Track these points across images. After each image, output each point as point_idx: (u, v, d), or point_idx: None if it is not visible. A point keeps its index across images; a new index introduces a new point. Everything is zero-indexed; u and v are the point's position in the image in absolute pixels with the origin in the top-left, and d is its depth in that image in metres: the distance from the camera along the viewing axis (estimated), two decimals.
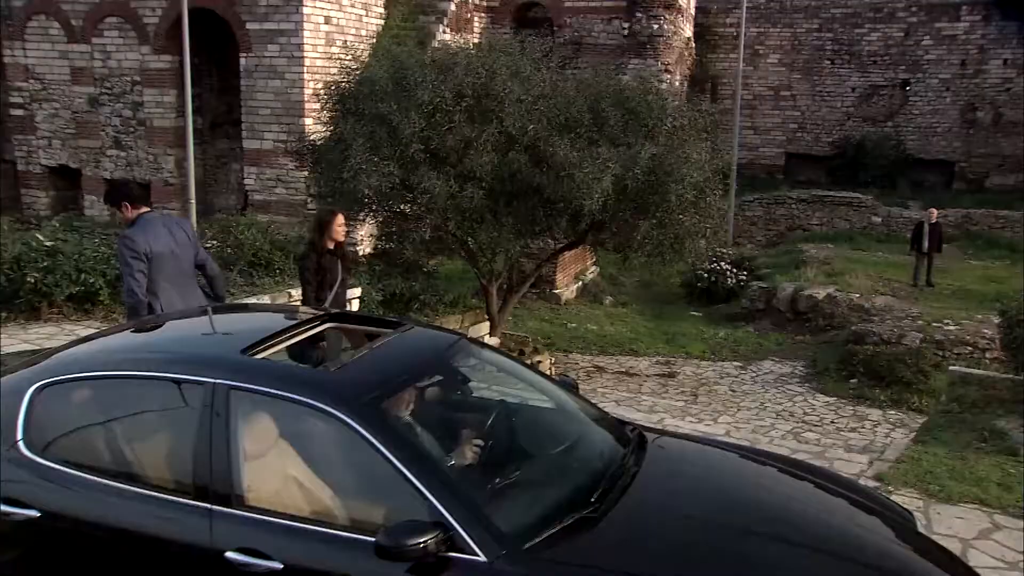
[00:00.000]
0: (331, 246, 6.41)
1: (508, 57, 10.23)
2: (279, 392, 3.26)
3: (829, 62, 22.26)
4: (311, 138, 11.67)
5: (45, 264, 8.14)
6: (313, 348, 3.79)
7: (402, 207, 10.89)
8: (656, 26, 18.39)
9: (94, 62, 16.73)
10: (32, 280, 7.98)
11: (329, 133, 10.90)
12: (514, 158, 9.84)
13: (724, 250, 15.44)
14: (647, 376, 11.92)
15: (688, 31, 20.35)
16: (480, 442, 3.41)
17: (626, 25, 18.69)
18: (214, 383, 3.26)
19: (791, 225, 19.23)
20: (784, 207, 19.26)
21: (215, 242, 10.38)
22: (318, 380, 3.40)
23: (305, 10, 15.03)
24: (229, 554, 3.04)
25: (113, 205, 5.66)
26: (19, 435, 3.43)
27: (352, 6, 16.34)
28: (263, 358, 3.48)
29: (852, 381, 11.40)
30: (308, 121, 14.74)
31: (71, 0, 16.61)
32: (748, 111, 21.64)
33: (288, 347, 3.65)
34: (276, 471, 3.25)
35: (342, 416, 3.12)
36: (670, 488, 3.56)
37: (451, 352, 3.84)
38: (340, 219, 6.49)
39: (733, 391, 11.26)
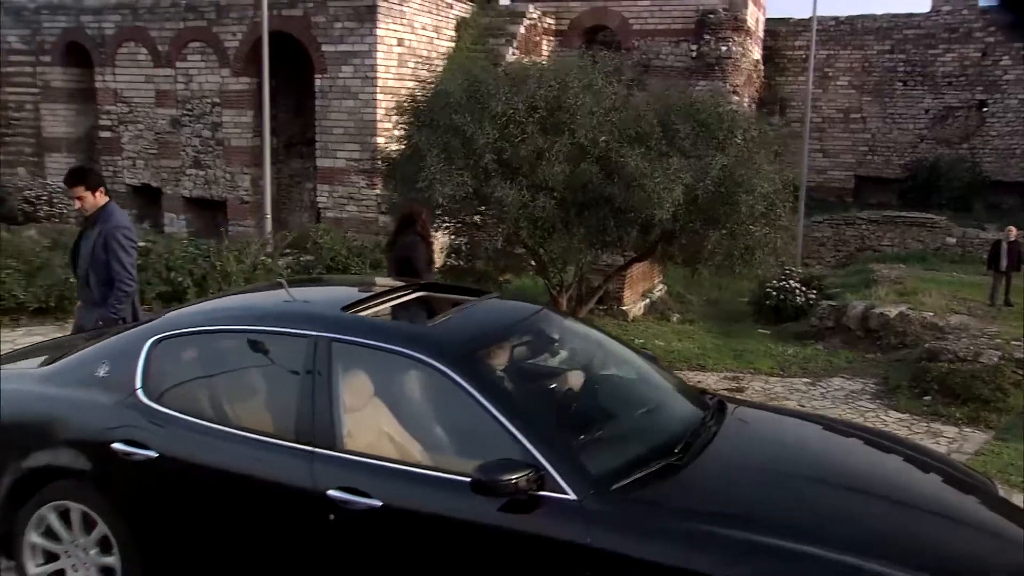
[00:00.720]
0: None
1: (580, 70, 10.42)
2: (378, 344, 3.43)
3: (901, 84, 22.03)
4: (387, 149, 11.99)
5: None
6: (408, 309, 3.96)
7: (474, 218, 11.10)
8: (724, 48, 18.45)
9: (177, 85, 17.43)
10: None
11: (404, 145, 11.19)
12: (585, 169, 9.98)
13: (793, 269, 15.34)
14: (715, 390, 11.84)
15: (757, 53, 20.37)
16: (570, 391, 3.54)
17: (694, 47, 18.79)
18: (317, 336, 3.44)
19: (861, 246, 19.00)
20: (854, 228, 19.05)
21: (293, 248, 10.70)
22: (416, 333, 3.57)
23: (379, 32, 15.48)
24: (331, 492, 3.20)
25: (89, 189, 5.32)
26: (138, 384, 3.67)
27: (424, 29, 16.77)
28: (363, 314, 3.67)
29: (926, 398, 11.17)
30: (380, 140, 15.11)
31: (158, 27, 17.37)
32: (817, 134, 21.52)
33: (384, 308, 3.83)
34: (373, 418, 3.43)
35: (438, 365, 3.28)
36: (749, 445, 3.71)
37: (537, 317, 4.01)
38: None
39: (803, 406, 11.14)
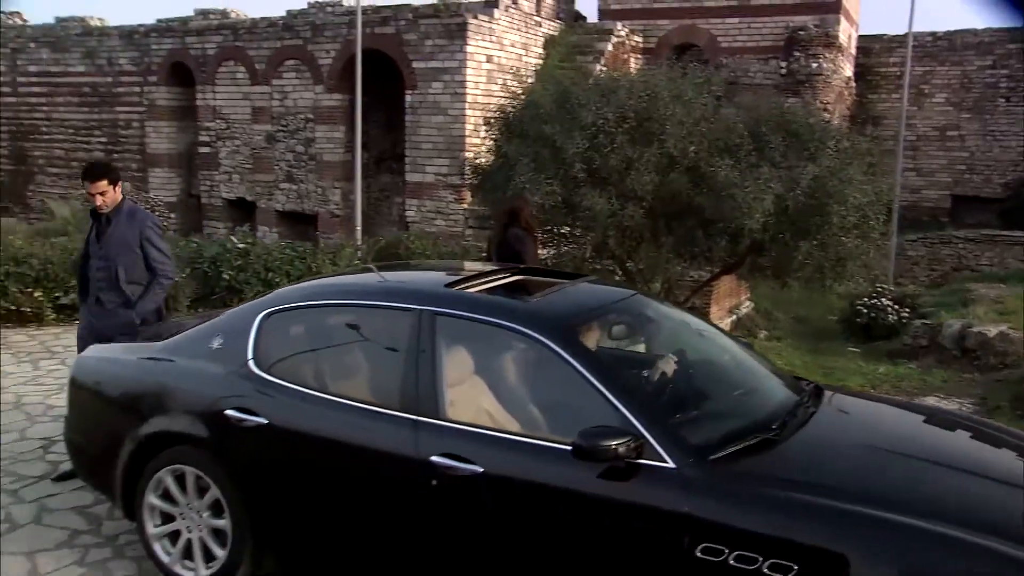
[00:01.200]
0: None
1: (670, 82, 10.47)
2: (481, 317, 3.54)
3: (1004, 100, 21.35)
4: (477, 161, 12.21)
5: (238, 263, 8.98)
6: (507, 288, 4.06)
7: (563, 229, 11.19)
8: (815, 65, 18.23)
9: (272, 102, 18.04)
10: (227, 277, 8.78)
11: (493, 156, 11.38)
12: (675, 179, 10.01)
13: (885, 286, 15.00)
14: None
15: (848, 70, 20.05)
16: (667, 369, 3.59)
17: (784, 64, 18.61)
18: (422, 309, 3.57)
19: (957, 265, 18.42)
20: (950, 247, 18.48)
21: (385, 253, 10.95)
22: (518, 307, 3.67)
23: (469, 49, 15.78)
24: (434, 458, 3.30)
25: (111, 183, 5.02)
26: (250, 355, 3.85)
27: (512, 46, 17.03)
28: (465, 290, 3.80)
29: None
30: (468, 155, 15.36)
31: (256, 46, 18.03)
32: (911, 152, 21.00)
33: (484, 286, 3.95)
34: (475, 388, 3.53)
35: (541, 338, 3.37)
36: (845, 426, 3.75)
37: (633, 299, 4.09)
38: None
39: None
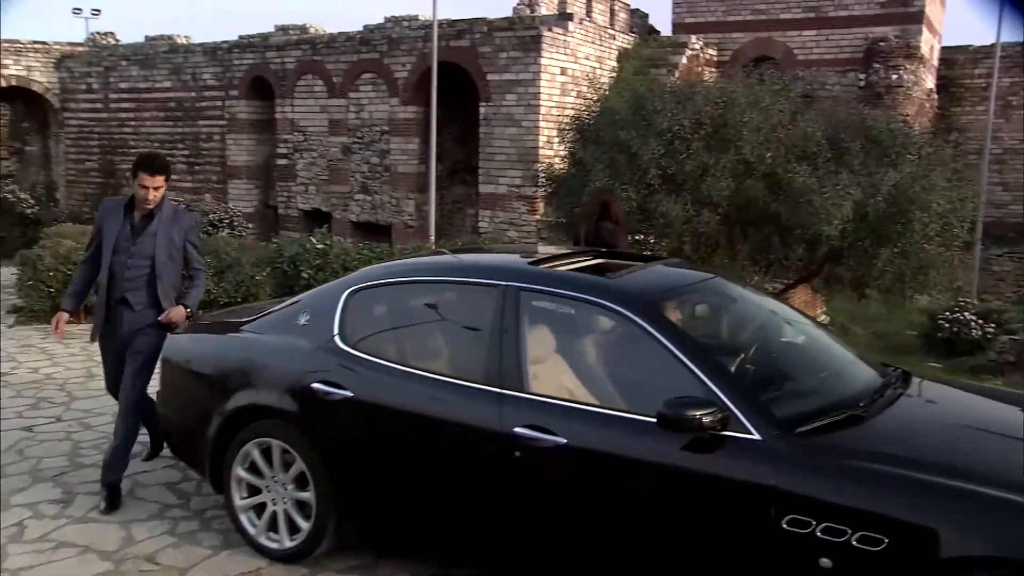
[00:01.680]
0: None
1: (747, 88, 10.40)
2: (565, 292, 3.57)
3: None
4: (551, 167, 12.28)
5: (317, 263, 9.18)
6: (589, 267, 4.08)
7: (637, 235, 11.16)
8: (895, 76, 17.88)
9: (349, 114, 18.40)
10: (306, 276, 8.99)
11: (568, 163, 11.43)
12: (751, 185, 9.92)
13: (968, 300, 14.56)
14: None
15: (930, 82, 19.61)
16: (751, 347, 3.57)
17: (863, 76, 18.30)
18: (506, 285, 3.62)
19: None
20: None
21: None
22: (601, 283, 3.68)
23: (543, 61, 15.89)
24: (517, 430, 3.33)
25: (167, 179, 4.70)
26: (335, 331, 3.94)
27: (587, 59, 17.10)
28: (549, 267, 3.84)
29: None
30: (540, 167, 15.43)
31: (334, 60, 18.44)
32: (997, 166, 20.38)
33: (566, 265, 3.98)
34: (559, 362, 3.55)
35: (624, 312, 3.39)
36: (934, 407, 3.71)
37: (715, 281, 4.07)
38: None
39: None
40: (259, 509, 4.12)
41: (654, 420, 3.08)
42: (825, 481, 2.91)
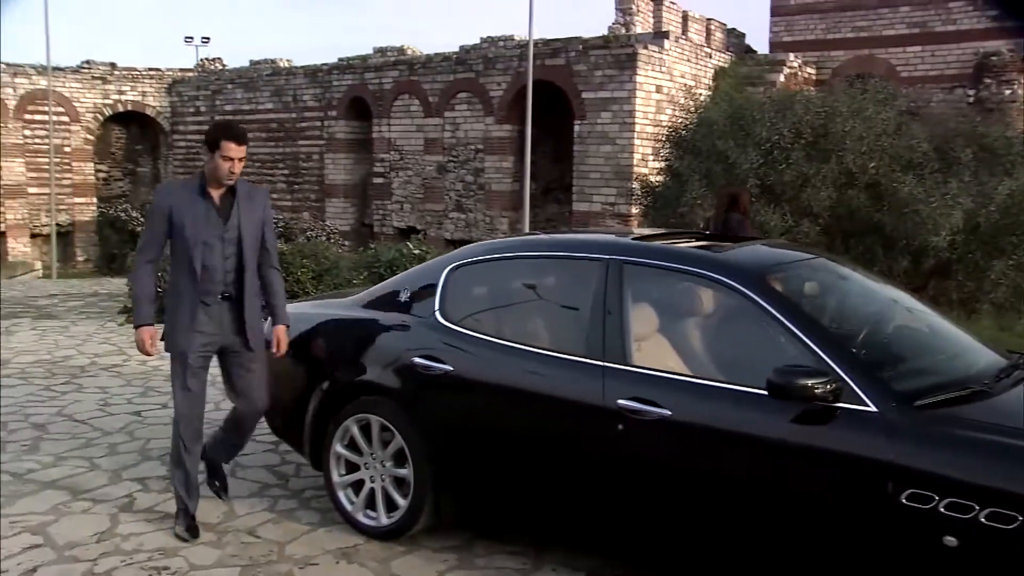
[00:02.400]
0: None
1: (849, 98, 10.16)
2: (671, 265, 3.51)
3: None
4: (648, 178, 12.20)
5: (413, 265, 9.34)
6: (693, 243, 4.02)
7: None
8: (1009, 92, 17.23)
9: (444, 133, 18.66)
10: None
11: (664, 175, 11.34)
12: (853, 195, 9.67)
13: None
14: None
15: None
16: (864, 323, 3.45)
17: (971, 92, 17.68)
18: (610, 259, 3.57)
19: None
20: None
21: None
22: (707, 256, 3.60)
23: (638, 79, 15.85)
24: (620, 402, 3.26)
25: (246, 148, 4.08)
26: (436, 307, 3.95)
27: (682, 76, 16.98)
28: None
29: None
30: (635, 186, 15.35)
31: (431, 80, 18.76)
32: None
33: (669, 242, 3.92)
34: (663, 335, 3.48)
35: (731, 283, 3.30)
36: None
37: (820, 260, 3.98)
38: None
39: None
40: (357, 487, 4.13)
41: (763, 392, 2.98)
42: (949, 454, 2.76)
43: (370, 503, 4.08)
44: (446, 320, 3.93)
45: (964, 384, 3.11)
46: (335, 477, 4.17)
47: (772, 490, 3.05)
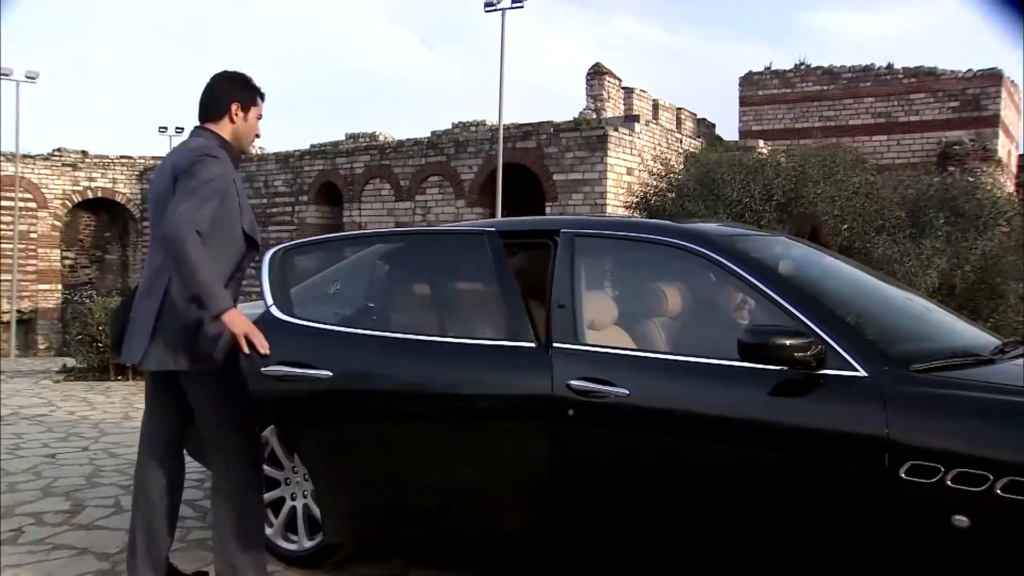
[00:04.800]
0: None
1: (819, 159, 10.06)
2: (624, 234, 3.17)
3: None
4: None
5: None
6: None
7: None
8: (971, 180, 17.37)
9: (415, 216, 18.46)
10: None
11: None
12: None
13: None
14: None
15: (1009, 186, 19.01)
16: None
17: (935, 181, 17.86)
18: (560, 232, 3.20)
19: None
20: None
21: None
22: (667, 225, 3.23)
23: (609, 160, 15.81)
24: (572, 382, 2.84)
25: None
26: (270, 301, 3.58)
27: (653, 160, 16.98)
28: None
29: None
30: None
31: (402, 164, 18.68)
32: None
33: None
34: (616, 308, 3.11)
35: (695, 247, 2.93)
36: None
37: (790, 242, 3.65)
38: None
39: None
40: (277, 507, 3.63)
41: (733, 364, 2.58)
42: (955, 418, 2.35)
43: (291, 525, 3.58)
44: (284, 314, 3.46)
45: (964, 352, 2.73)
46: None
47: (750, 475, 2.61)
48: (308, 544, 3.49)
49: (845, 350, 2.53)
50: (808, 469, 2.51)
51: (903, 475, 2.33)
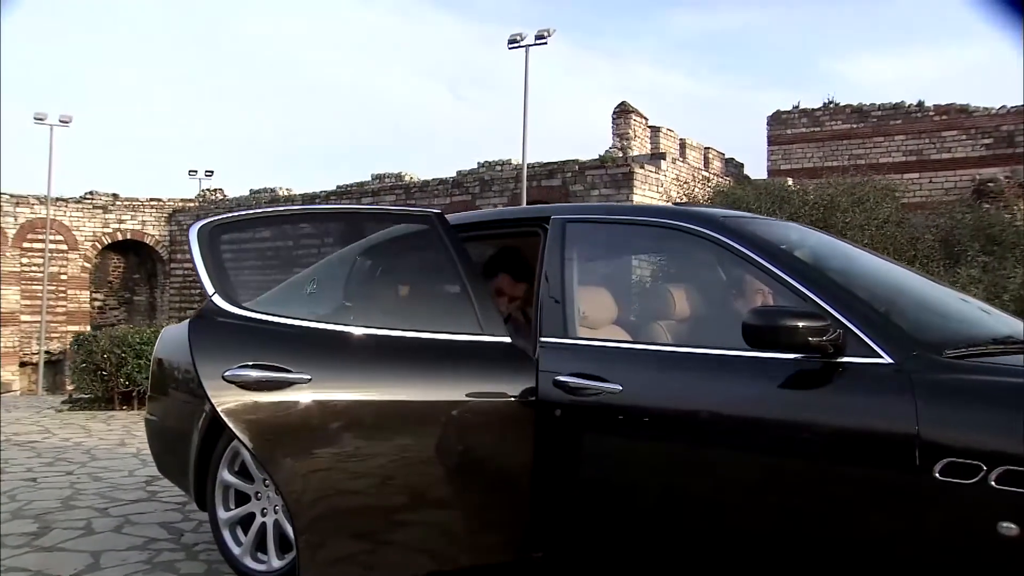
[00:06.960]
0: None
1: (849, 188, 9.77)
2: (617, 218, 2.90)
3: None
4: None
5: None
6: None
7: None
8: (1008, 217, 16.95)
9: None
10: None
11: None
12: None
13: None
14: None
15: None
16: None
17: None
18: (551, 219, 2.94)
19: None
20: None
21: None
22: (669, 208, 2.96)
23: (635, 197, 15.57)
24: (560, 378, 2.56)
25: None
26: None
27: (679, 197, 16.72)
28: None
29: None
30: None
31: (427, 202, 18.54)
32: None
33: None
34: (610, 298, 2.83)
35: (700, 229, 2.65)
36: None
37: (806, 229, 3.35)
38: None
39: None
40: (247, 524, 3.34)
41: (740, 353, 2.29)
42: (998, 408, 2.03)
43: (261, 544, 3.28)
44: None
45: (1002, 340, 2.42)
46: (221, 513, 3.37)
47: (759, 478, 2.30)
48: (277, 564, 3.19)
49: (867, 334, 2.22)
50: (827, 471, 2.20)
51: (937, 475, 2.00)
